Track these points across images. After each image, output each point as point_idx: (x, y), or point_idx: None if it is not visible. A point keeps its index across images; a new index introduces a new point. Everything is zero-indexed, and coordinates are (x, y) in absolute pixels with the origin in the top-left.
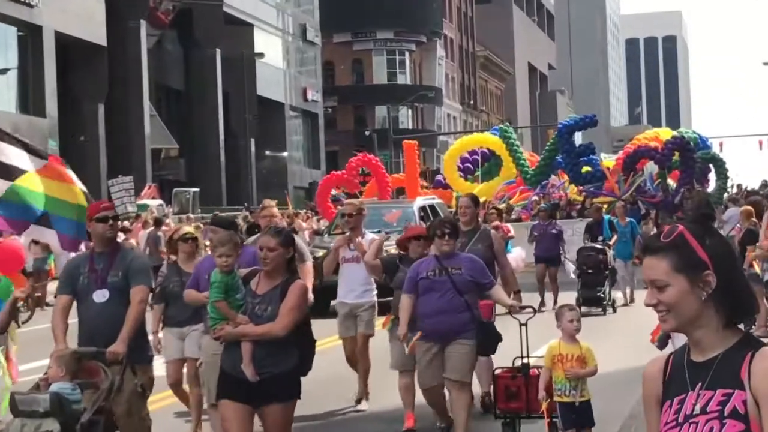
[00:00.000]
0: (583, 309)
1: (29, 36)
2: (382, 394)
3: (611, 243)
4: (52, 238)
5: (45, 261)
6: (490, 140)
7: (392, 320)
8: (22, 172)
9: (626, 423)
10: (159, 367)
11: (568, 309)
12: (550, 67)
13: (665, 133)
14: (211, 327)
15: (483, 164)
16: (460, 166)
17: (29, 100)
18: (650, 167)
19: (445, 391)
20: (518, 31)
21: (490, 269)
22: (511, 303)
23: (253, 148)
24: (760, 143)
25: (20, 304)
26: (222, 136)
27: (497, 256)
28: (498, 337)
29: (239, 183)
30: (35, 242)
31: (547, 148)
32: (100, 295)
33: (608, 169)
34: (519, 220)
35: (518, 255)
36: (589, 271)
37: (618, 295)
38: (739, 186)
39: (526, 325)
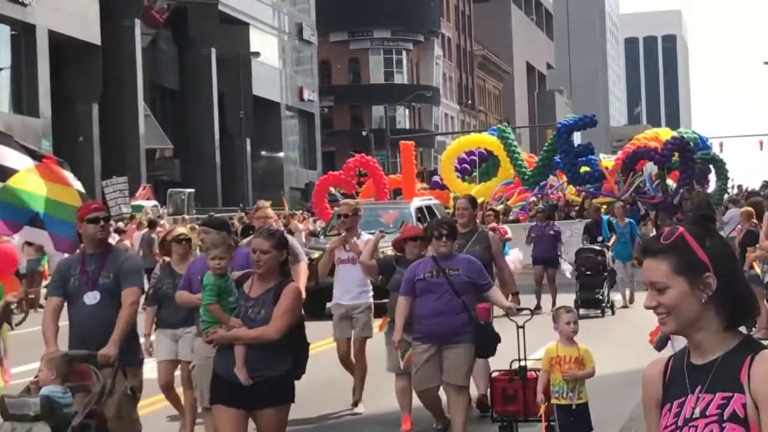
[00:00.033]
0: (582, 311)
1: (22, 35)
2: (379, 396)
3: (610, 244)
4: (45, 240)
5: (38, 263)
6: (487, 140)
7: (388, 323)
8: (14, 171)
9: (626, 426)
10: (151, 370)
11: (565, 311)
12: (549, 66)
13: (665, 133)
14: (204, 330)
15: (481, 165)
16: (458, 166)
17: (22, 99)
18: (650, 168)
19: (441, 392)
20: (516, 31)
21: (488, 271)
22: (508, 305)
23: (248, 149)
24: (761, 143)
25: (13, 306)
26: (217, 136)
27: (495, 257)
28: (497, 339)
29: (235, 183)
30: (29, 244)
31: (545, 148)
32: (91, 297)
33: (607, 169)
34: (517, 221)
35: (516, 257)
36: (588, 272)
37: (617, 297)
38: (739, 187)
39: (523, 327)
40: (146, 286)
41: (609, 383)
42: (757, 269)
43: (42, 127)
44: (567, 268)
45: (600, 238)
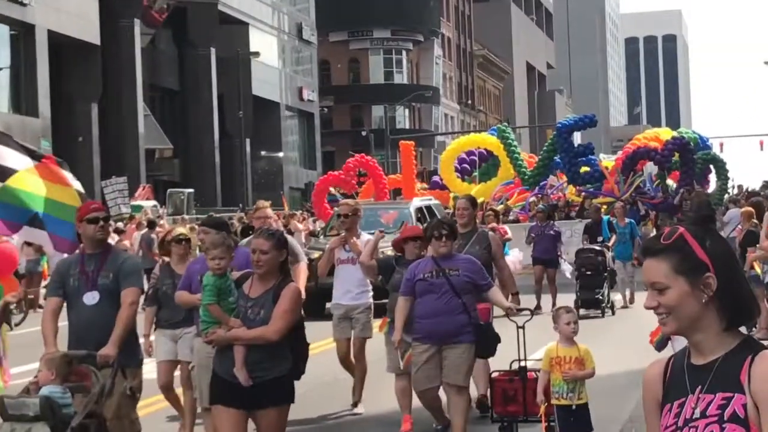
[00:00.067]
0: (582, 311)
1: (22, 35)
2: (379, 397)
3: (610, 244)
4: (44, 240)
5: (38, 263)
6: (487, 140)
7: (388, 323)
8: (13, 171)
9: (626, 426)
10: (150, 370)
11: (564, 311)
12: (549, 66)
13: (665, 133)
14: (203, 331)
15: (480, 165)
16: (458, 166)
17: (22, 99)
18: (650, 168)
19: (441, 393)
20: (516, 30)
21: (488, 271)
22: (508, 305)
23: (248, 149)
24: (761, 143)
25: (13, 307)
26: (217, 137)
27: (495, 258)
28: (497, 339)
29: (234, 184)
30: (28, 244)
31: (545, 148)
32: (90, 298)
33: (606, 169)
34: (516, 221)
35: (515, 257)
36: (588, 272)
37: (617, 297)
38: (740, 187)
39: (523, 327)
40: (146, 287)
41: (609, 384)
42: (758, 269)
43: (41, 127)
44: (567, 268)
45: (600, 239)
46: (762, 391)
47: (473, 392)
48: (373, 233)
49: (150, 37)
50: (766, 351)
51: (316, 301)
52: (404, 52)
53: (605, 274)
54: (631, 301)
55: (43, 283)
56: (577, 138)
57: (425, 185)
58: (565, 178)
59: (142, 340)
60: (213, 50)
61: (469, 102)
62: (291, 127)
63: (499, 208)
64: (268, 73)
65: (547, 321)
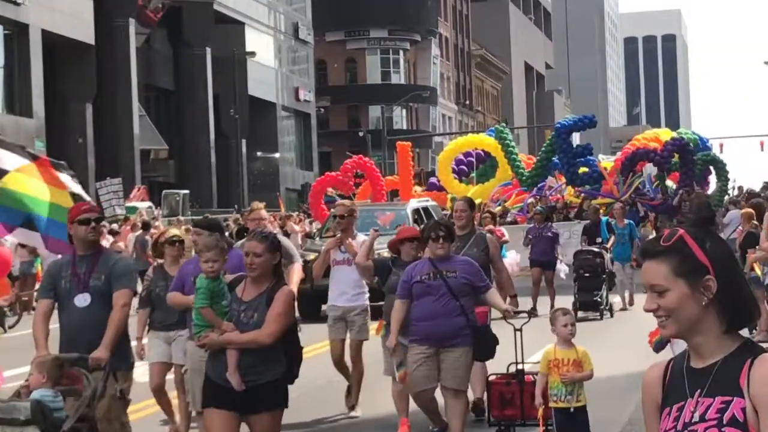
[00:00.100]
0: (580, 314)
1: (16, 34)
2: (376, 400)
3: (609, 245)
4: (38, 242)
5: (32, 265)
6: (485, 141)
7: (385, 326)
8: (5, 172)
9: (625, 429)
10: (143, 374)
11: (562, 313)
12: (548, 66)
13: (665, 133)
14: (196, 334)
15: (478, 166)
16: (455, 168)
17: (16, 99)
18: (649, 169)
19: (437, 395)
20: (515, 30)
21: (486, 274)
22: (506, 307)
23: (244, 149)
24: (761, 144)
25: (6, 309)
26: (212, 137)
27: (493, 260)
28: (495, 341)
29: (230, 185)
30: (22, 246)
31: (543, 148)
32: (82, 300)
33: (605, 169)
34: (514, 222)
35: (513, 259)
36: (586, 274)
37: (616, 299)
38: (740, 188)
39: (521, 330)
40: (140, 288)
41: (608, 386)
42: (758, 271)
43: (35, 128)
44: (561, 268)
45: (599, 240)
46: (761, 394)
47: (469, 395)
48: (368, 234)
49: (145, 36)
50: (765, 354)
51: (312, 303)
52: (401, 52)
53: (604, 276)
54: (630, 303)
55: (37, 285)
56: (576, 138)
57: (421, 188)
58: (563, 179)
59: (134, 343)
60: (208, 50)
61: (467, 102)
62: (287, 128)
63: (497, 209)
64: (264, 73)
65: (545, 323)
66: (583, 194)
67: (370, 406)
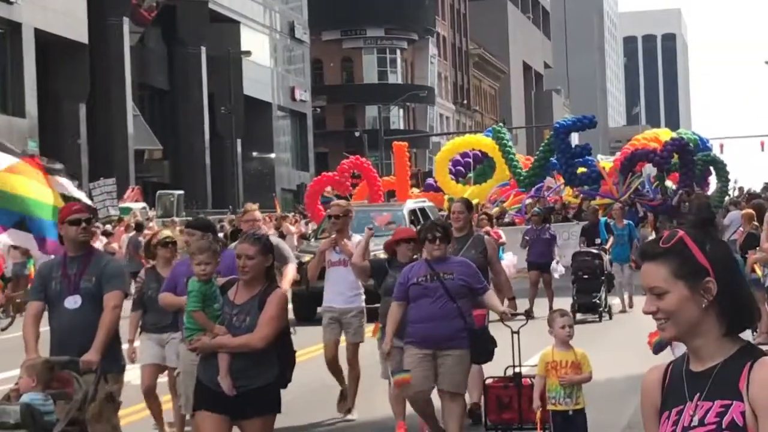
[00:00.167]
0: (579, 316)
1: (8, 33)
2: (373, 403)
3: (608, 246)
4: (30, 243)
5: (24, 266)
6: (482, 142)
7: (381, 329)
8: None
9: None
10: (136, 377)
11: (559, 315)
12: (546, 65)
13: (665, 133)
14: (187, 338)
15: (475, 167)
16: (452, 169)
17: (8, 99)
18: (648, 169)
19: (435, 399)
20: (513, 29)
21: (484, 276)
22: (503, 310)
23: (239, 150)
24: (762, 144)
25: None
26: (207, 137)
27: (491, 262)
28: (493, 343)
29: (225, 185)
30: (14, 247)
31: (541, 148)
32: (72, 302)
33: (604, 169)
34: (512, 223)
35: (510, 261)
36: (585, 276)
37: (616, 301)
38: (740, 189)
39: (518, 332)
40: (132, 290)
41: (608, 389)
42: (759, 272)
43: (28, 128)
44: (557, 268)
45: (598, 241)
46: (760, 398)
47: (466, 399)
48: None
49: (139, 35)
50: (765, 358)
51: (307, 305)
52: (398, 51)
53: (602, 277)
54: (630, 305)
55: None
56: (575, 138)
57: (418, 189)
58: (562, 180)
59: (126, 346)
60: (203, 49)
61: (465, 102)
62: (283, 128)
63: (495, 210)
64: (259, 73)
65: (543, 326)
66: (581, 195)
67: (367, 409)
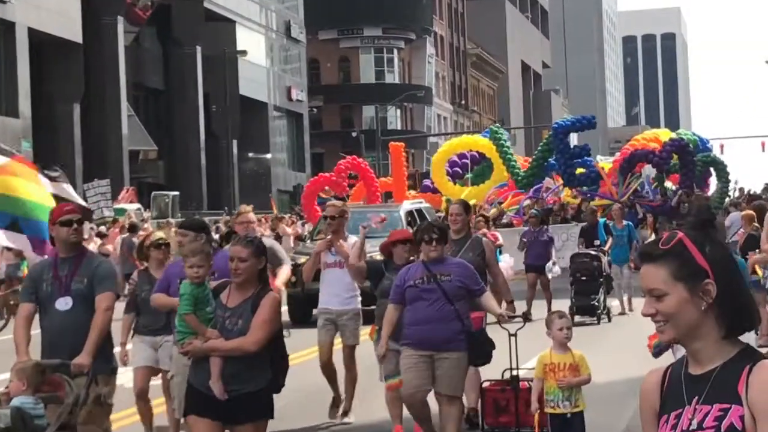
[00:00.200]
0: (577, 318)
1: (2, 33)
2: (370, 406)
3: (606, 248)
4: (24, 244)
5: (18, 267)
6: (479, 142)
7: (377, 331)
8: None
9: None
10: (129, 380)
11: (557, 317)
12: (545, 65)
13: (665, 134)
14: (179, 341)
15: (472, 168)
16: (449, 170)
17: (2, 99)
18: (648, 170)
19: (432, 402)
20: (511, 29)
21: (482, 278)
22: (501, 312)
23: (235, 150)
24: (763, 145)
25: None
26: (203, 138)
27: (489, 265)
28: (491, 345)
29: (221, 186)
30: (8, 248)
31: (539, 148)
32: (63, 303)
33: (603, 170)
34: (510, 225)
35: (507, 263)
36: (583, 278)
37: (615, 303)
38: (741, 190)
39: (515, 335)
40: (126, 291)
41: (607, 391)
42: (759, 273)
43: (22, 128)
44: (551, 268)
45: (596, 242)
46: (759, 401)
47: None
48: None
49: (134, 35)
50: (764, 361)
51: (302, 307)
52: (396, 51)
53: (601, 279)
54: (630, 307)
55: None
56: (574, 139)
57: (415, 191)
58: (561, 181)
59: (118, 349)
60: (199, 48)
61: (463, 102)
62: (279, 128)
63: (492, 211)
64: (255, 73)
65: (540, 329)
66: (581, 195)
67: (364, 412)
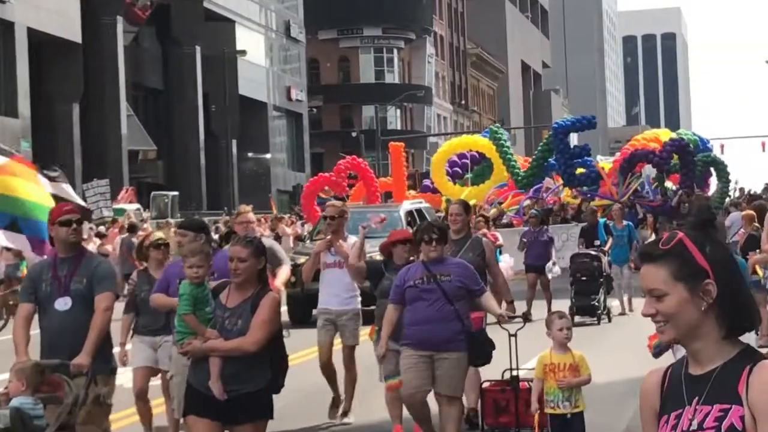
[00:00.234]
0: (577, 318)
1: (1, 33)
2: (370, 406)
3: (607, 248)
4: (23, 244)
5: (17, 267)
6: (479, 142)
7: (377, 332)
8: None
9: None
10: (128, 380)
11: (557, 317)
12: (545, 65)
13: (665, 134)
14: (179, 341)
15: (472, 168)
16: (449, 170)
17: (1, 99)
18: (648, 170)
19: (432, 402)
20: (511, 28)
21: (482, 279)
22: (500, 312)
23: (234, 150)
24: (763, 145)
25: None
26: (202, 137)
27: (489, 265)
28: (491, 345)
29: (220, 186)
30: (7, 248)
31: (539, 148)
32: (62, 303)
33: (603, 170)
34: (510, 225)
35: (507, 263)
36: (583, 278)
37: (615, 304)
38: (741, 190)
39: (515, 335)
40: (125, 291)
41: (607, 392)
42: (760, 273)
43: (21, 128)
44: (550, 268)
45: (597, 242)
46: (759, 402)
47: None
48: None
49: (133, 34)
50: (764, 361)
51: (302, 308)
52: (395, 51)
53: (601, 279)
54: (630, 308)
55: None
56: (574, 139)
57: (415, 191)
58: (561, 181)
59: (117, 349)
60: (198, 48)
61: (463, 102)
62: (279, 128)
63: (493, 211)
64: (255, 72)
65: (540, 329)
66: (581, 195)
67: (364, 412)
